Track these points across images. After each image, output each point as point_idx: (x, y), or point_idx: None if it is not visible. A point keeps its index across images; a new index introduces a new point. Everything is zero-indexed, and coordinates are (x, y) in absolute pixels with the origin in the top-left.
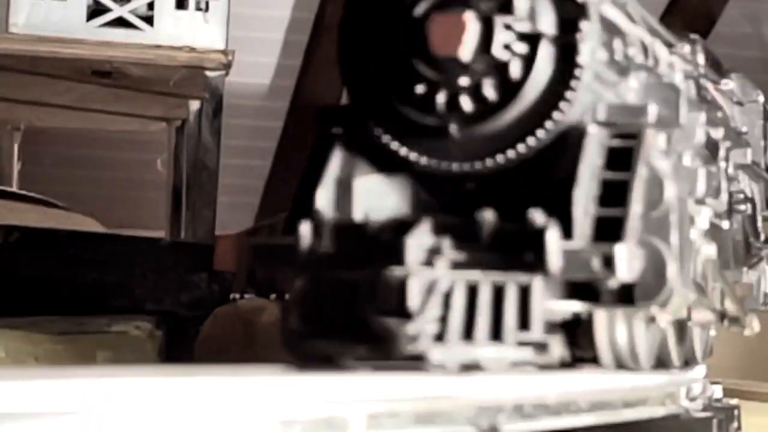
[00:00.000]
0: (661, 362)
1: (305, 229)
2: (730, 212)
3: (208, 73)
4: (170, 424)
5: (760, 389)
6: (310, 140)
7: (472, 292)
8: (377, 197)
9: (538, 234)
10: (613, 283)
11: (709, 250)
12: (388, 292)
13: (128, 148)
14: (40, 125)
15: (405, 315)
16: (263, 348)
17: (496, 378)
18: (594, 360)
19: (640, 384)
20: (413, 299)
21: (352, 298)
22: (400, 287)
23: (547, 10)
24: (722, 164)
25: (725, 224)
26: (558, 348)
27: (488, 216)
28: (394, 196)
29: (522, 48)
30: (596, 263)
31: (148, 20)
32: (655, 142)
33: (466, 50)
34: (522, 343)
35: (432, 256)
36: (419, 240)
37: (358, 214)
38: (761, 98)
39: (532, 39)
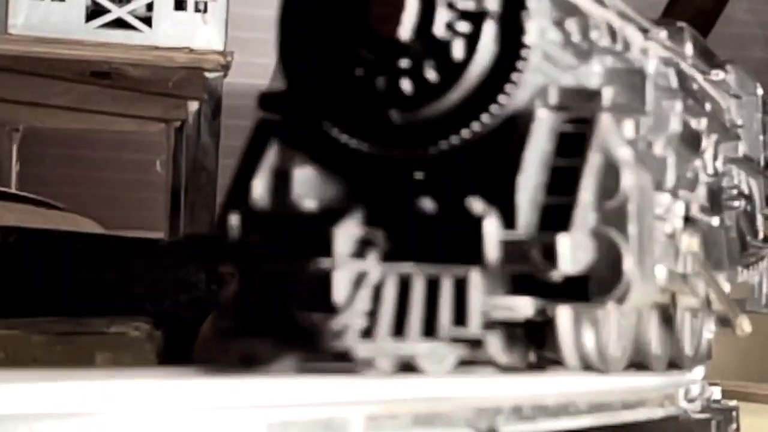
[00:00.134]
0: (642, 362)
1: (235, 220)
2: (720, 208)
3: (207, 74)
4: (169, 426)
5: (759, 390)
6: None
7: (405, 285)
8: (315, 187)
9: (476, 223)
10: (555, 276)
11: (690, 244)
12: (314, 286)
13: (127, 149)
14: (39, 126)
15: (330, 309)
16: None
17: (495, 379)
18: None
19: (639, 385)
20: (339, 292)
21: (280, 293)
22: (326, 280)
23: None
24: (707, 157)
25: (714, 221)
26: (496, 345)
27: (426, 205)
28: (333, 186)
29: (465, 27)
30: (537, 254)
31: (147, 21)
32: (611, 127)
33: (406, 30)
34: (457, 340)
35: (362, 247)
36: (348, 230)
37: (293, 205)
38: (760, 91)
39: (476, 17)
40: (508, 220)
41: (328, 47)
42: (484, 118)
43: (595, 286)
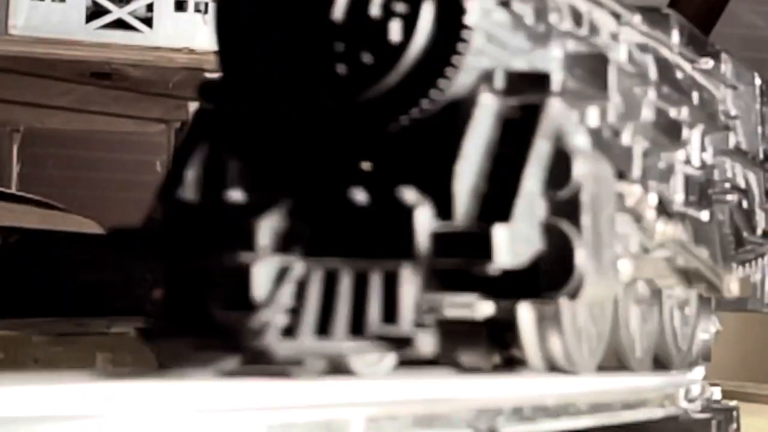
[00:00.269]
0: (621, 361)
1: (161, 213)
2: (709, 202)
3: (208, 75)
4: (170, 428)
5: (759, 391)
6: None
7: (331, 281)
8: (246, 178)
9: (407, 215)
10: (491, 270)
11: (666, 232)
12: (232, 281)
13: (127, 149)
14: (39, 127)
15: (249, 306)
16: None
17: (495, 380)
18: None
19: (639, 386)
20: (259, 288)
21: (199, 290)
22: (245, 275)
23: None
24: (692, 148)
25: (704, 215)
26: (428, 344)
27: (357, 196)
28: (263, 177)
29: (402, 8)
30: (472, 247)
31: (148, 22)
32: (564, 114)
33: (339, 11)
34: (385, 338)
35: (286, 240)
36: (271, 223)
37: (220, 197)
38: (758, 81)
39: None
40: (445, 210)
41: (264, 34)
42: (423, 103)
43: (545, 280)
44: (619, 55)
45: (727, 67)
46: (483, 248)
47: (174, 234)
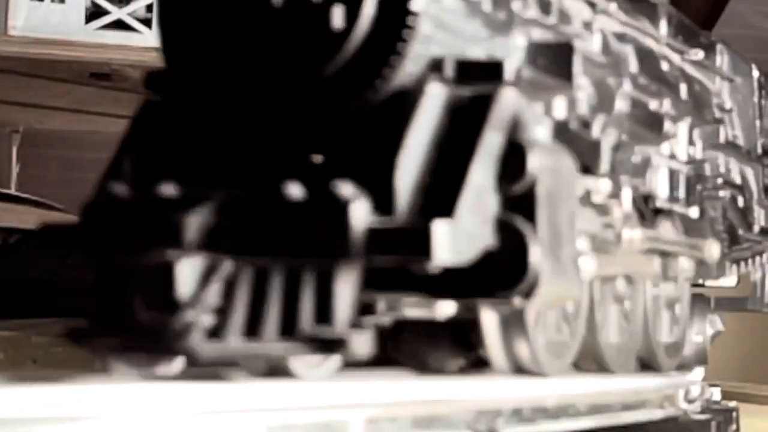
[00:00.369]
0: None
1: (93, 208)
2: (698, 198)
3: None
4: (171, 429)
5: (759, 392)
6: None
7: (262, 279)
8: (180, 172)
9: (342, 210)
10: (430, 268)
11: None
12: (156, 280)
13: None
14: (39, 127)
15: (173, 306)
16: None
17: (495, 381)
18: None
19: (639, 387)
20: (183, 287)
21: (124, 287)
22: (169, 273)
23: None
24: (678, 142)
25: (693, 212)
26: (364, 345)
27: (292, 191)
28: (196, 171)
29: None
30: (409, 244)
31: (147, 23)
32: (520, 104)
33: None
34: (318, 340)
35: (214, 237)
36: (199, 218)
37: (153, 191)
38: (755, 73)
39: None
40: (385, 205)
41: (204, 21)
42: (366, 93)
43: (496, 279)
44: (592, 44)
45: (723, 59)
46: (421, 245)
47: (102, 230)
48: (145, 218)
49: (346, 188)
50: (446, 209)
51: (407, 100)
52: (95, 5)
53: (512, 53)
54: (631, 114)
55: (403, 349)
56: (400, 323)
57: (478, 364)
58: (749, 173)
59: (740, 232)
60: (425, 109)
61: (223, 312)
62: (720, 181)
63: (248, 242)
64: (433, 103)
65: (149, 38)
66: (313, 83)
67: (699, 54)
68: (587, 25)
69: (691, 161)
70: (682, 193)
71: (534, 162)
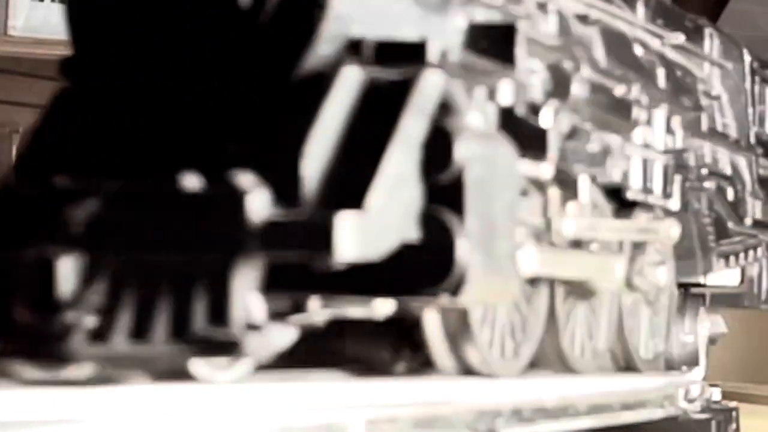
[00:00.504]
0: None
1: None
2: (681, 190)
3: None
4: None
5: (759, 392)
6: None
7: (152, 277)
8: (74, 162)
9: (238, 202)
10: (333, 265)
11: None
12: (35, 278)
13: None
14: None
15: (53, 306)
16: None
17: (495, 382)
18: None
19: (639, 387)
20: (63, 286)
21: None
22: (48, 271)
23: None
24: (653, 130)
25: (672, 204)
26: (261, 347)
27: (189, 181)
28: (89, 161)
29: None
30: (310, 238)
31: None
32: (449, 89)
33: None
34: (211, 342)
35: (99, 232)
36: (82, 212)
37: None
38: (747, 58)
39: None
40: (289, 196)
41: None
42: (273, 75)
43: (419, 276)
44: (547, 26)
45: (712, 44)
46: (321, 239)
47: (8, 224)
48: (30, 212)
49: (244, 178)
50: (356, 200)
51: (319, 83)
52: None
53: (447, 35)
54: (593, 100)
55: (345, 350)
56: (343, 323)
57: (426, 365)
58: (741, 163)
59: (730, 225)
60: (339, 93)
61: (107, 313)
62: (705, 171)
63: (137, 237)
64: (347, 86)
65: None
66: (217, 66)
67: (679, 38)
68: (542, 6)
69: (669, 150)
70: (658, 183)
71: (462, 150)
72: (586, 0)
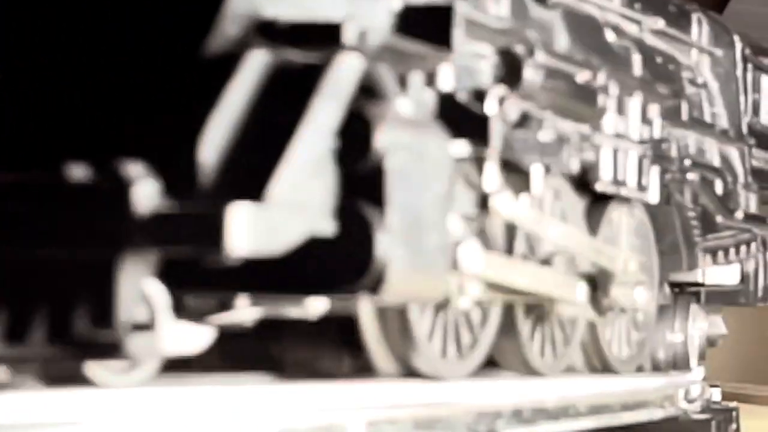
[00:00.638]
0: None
1: None
2: (662, 182)
3: None
4: None
5: (759, 393)
6: None
7: (30, 275)
8: None
9: (123, 192)
10: (226, 260)
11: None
12: None
13: None
14: None
15: None
16: None
17: (495, 383)
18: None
19: (639, 387)
20: None
21: None
22: None
23: None
24: (627, 118)
25: (649, 197)
26: (146, 350)
27: (74, 171)
28: None
29: None
30: (201, 232)
31: None
32: (368, 72)
33: None
34: (93, 344)
35: None
36: None
37: None
38: (738, 44)
39: None
40: (183, 187)
41: None
42: (171, 55)
43: (340, 272)
44: (499, 9)
45: (700, 30)
46: (212, 233)
47: None
48: None
49: (132, 167)
50: (256, 191)
51: (222, 66)
52: None
53: (376, 16)
54: (550, 86)
55: (285, 351)
56: (279, 323)
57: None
58: (733, 154)
59: (719, 219)
60: (243, 76)
61: None
62: (688, 162)
63: (17, 232)
64: (253, 70)
65: None
66: (108, 46)
67: (658, 23)
68: None
69: (645, 140)
70: (632, 175)
71: (382, 138)
72: None
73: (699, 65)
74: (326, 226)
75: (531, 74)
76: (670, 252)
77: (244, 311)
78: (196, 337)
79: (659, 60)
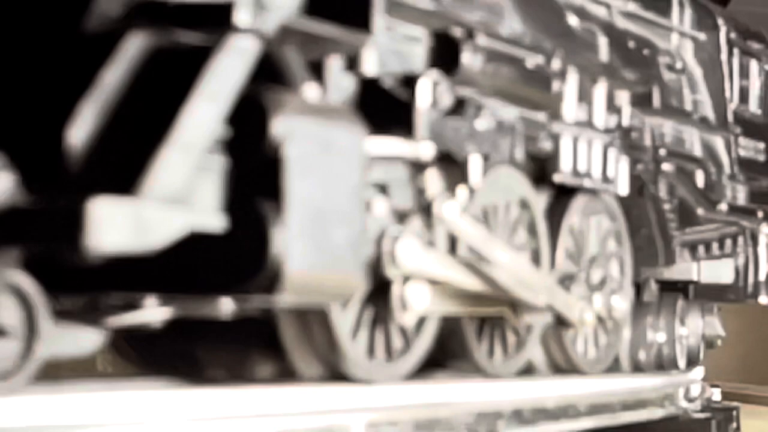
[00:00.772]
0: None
1: None
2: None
3: None
4: None
5: (759, 393)
6: None
7: None
8: None
9: None
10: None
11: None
12: None
13: None
14: None
15: None
16: None
17: (495, 384)
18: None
19: (639, 386)
20: None
21: None
22: None
23: None
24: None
25: (619, 188)
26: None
27: None
28: None
29: None
30: (60, 227)
31: None
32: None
33: None
34: None
35: None
36: None
37: None
38: (723, 27)
39: None
40: (44, 179)
41: None
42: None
43: (232, 271)
44: None
45: (682, 14)
46: (72, 229)
47: None
48: None
49: None
50: (127, 184)
51: (98, 47)
52: None
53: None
54: (494, 71)
55: (209, 355)
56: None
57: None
58: (717, 144)
59: (699, 211)
60: (121, 59)
61: None
62: (663, 152)
63: None
64: (130, 53)
65: None
66: None
67: (628, 5)
68: None
69: (612, 129)
70: (597, 166)
71: (279, 126)
72: None
73: (680, 50)
74: (214, 222)
75: (469, 58)
76: (646, 246)
77: (151, 312)
78: (80, 340)
79: (631, 44)
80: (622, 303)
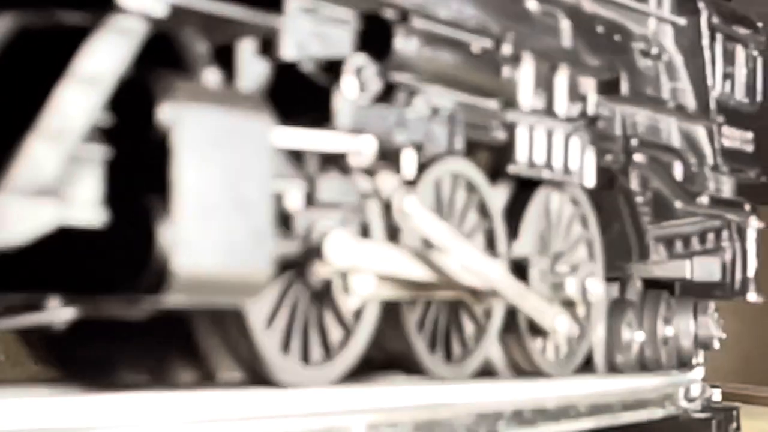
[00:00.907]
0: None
1: None
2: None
3: None
4: None
5: (759, 393)
6: None
7: None
8: None
9: None
10: None
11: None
12: None
13: None
14: None
15: None
16: None
17: (495, 384)
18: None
19: (639, 387)
20: None
21: None
22: None
23: None
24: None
25: (584, 179)
26: None
27: None
28: None
29: None
30: None
31: None
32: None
33: None
34: None
35: None
36: None
37: None
38: (705, 12)
39: None
40: None
41: None
42: None
43: (117, 270)
44: None
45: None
46: None
47: None
48: None
49: None
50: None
51: None
52: None
53: None
54: (432, 56)
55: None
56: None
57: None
58: (699, 133)
59: (677, 204)
60: None
61: None
62: (635, 142)
63: None
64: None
65: None
66: None
67: None
68: None
69: (574, 118)
70: (558, 156)
71: (167, 113)
72: None
73: (659, 36)
74: (92, 216)
75: (403, 42)
76: (618, 241)
77: (53, 312)
78: None
79: (600, 29)
80: (597, 286)
